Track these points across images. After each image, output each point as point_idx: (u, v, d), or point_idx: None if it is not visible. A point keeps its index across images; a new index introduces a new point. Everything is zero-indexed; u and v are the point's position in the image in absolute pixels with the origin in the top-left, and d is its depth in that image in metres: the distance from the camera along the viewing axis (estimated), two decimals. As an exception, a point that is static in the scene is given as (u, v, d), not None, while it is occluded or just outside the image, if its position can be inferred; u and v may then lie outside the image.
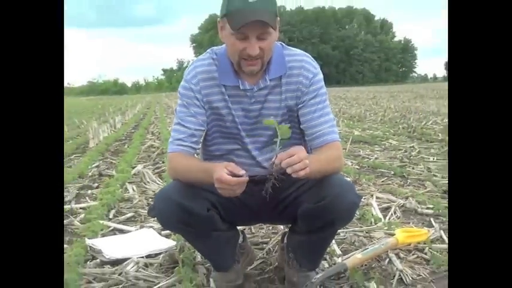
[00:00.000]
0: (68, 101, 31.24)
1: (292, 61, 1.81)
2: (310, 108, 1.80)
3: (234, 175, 1.56)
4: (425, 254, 2.28)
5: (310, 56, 1.87)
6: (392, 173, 4.27)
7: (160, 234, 2.62)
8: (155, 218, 1.99)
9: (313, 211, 1.69)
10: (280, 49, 1.82)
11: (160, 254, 2.32)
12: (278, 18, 1.72)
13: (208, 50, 1.87)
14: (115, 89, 59.33)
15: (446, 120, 8.53)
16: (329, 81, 54.88)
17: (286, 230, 2.07)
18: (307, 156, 1.56)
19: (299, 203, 1.73)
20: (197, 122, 1.79)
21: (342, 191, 1.68)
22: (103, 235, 2.71)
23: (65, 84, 62.15)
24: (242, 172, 1.57)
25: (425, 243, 2.35)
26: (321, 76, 1.85)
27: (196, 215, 1.70)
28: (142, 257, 2.28)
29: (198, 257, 2.21)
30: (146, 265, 2.22)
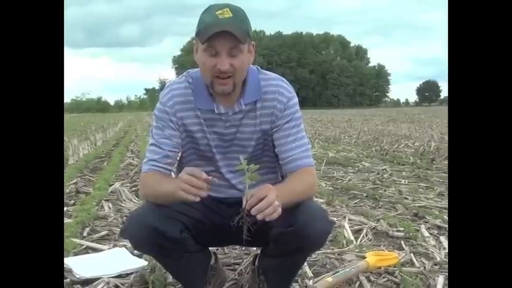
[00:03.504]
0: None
1: (267, 86, 1.81)
2: (284, 132, 1.80)
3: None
4: (396, 277, 2.31)
5: (285, 80, 1.87)
6: (365, 195, 4.33)
7: (132, 253, 2.59)
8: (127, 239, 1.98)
9: (283, 236, 1.69)
10: (255, 73, 1.82)
11: (131, 274, 2.30)
12: (253, 42, 1.74)
13: (184, 73, 1.85)
14: (98, 107, 59.41)
15: (418, 143, 8.73)
16: (306, 103, 55.67)
17: (258, 251, 2.07)
18: (275, 196, 1.54)
19: (271, 226, 1.70)
20: (172, 144, 1.79)
21: (312, 218, 1.68)
22: (75, 254, 2.66)
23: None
24: (204, 174, 1.60)
25: (395, 267, 2.38)
26: (295, 100, 1.84)
27: (169, 237, 1.69)
28: (113, 277, 2.26)
29: (169, 278, 2.19)
30: (117, 286, 2.19)
